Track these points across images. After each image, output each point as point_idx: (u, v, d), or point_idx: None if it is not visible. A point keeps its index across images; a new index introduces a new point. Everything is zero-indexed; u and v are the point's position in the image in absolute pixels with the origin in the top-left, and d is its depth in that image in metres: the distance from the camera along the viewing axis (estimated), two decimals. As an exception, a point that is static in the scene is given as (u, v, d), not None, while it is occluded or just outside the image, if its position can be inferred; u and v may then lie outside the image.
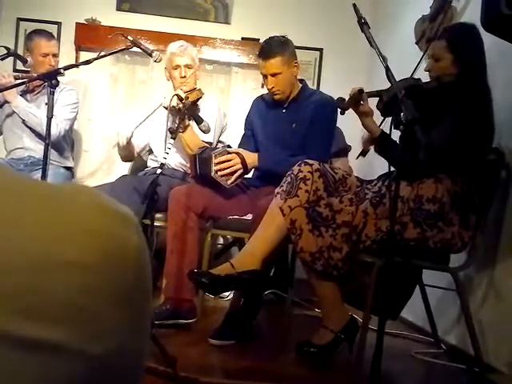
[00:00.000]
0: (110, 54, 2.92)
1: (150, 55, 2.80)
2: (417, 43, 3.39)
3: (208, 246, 2.91)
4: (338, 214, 2.28)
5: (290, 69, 2.83)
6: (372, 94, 2.51)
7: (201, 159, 2.73)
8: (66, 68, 2.74)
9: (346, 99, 2.48)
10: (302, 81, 2.99)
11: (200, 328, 2.62)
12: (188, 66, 3.11)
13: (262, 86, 3.09)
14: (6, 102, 3.38)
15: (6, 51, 3.40)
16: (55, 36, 3.77)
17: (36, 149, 3.43)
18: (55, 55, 3.50)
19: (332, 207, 2.29)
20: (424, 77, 2.49)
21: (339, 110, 2.57)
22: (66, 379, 0.39)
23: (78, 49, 4.11)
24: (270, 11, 4.27)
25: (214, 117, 3.14)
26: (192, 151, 2.85)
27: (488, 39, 2.23)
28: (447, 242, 2.27)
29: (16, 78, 3.26)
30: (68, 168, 3.62)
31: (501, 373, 2.26)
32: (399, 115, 1.98)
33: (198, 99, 2.74)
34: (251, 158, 2.81)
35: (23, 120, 3.37)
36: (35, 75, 3.13)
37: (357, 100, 2.44)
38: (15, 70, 3.94)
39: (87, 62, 2.67)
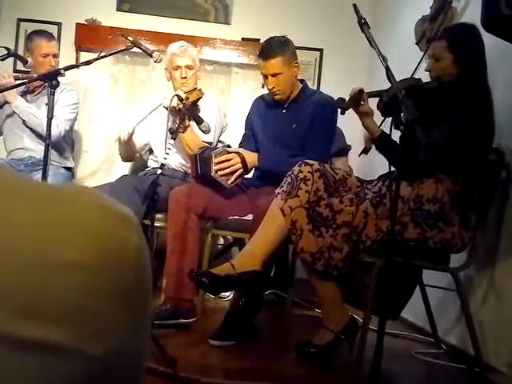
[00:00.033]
0: (111, 55, 2.92)
1: (150, 56, 2.80)
2: (417, 43, 3.39)
3: (208, 246, 2.91)
4: (339, 215, 2.28)
5: (291, 69, 2.83)
6: (372, 94, 2.51)
7: (201, 159, 2.73)
8: (67, 68, 2.74)
9: (346, 99, 2.48)
10: (302, 81, 2.99)
11: (200, 328, 2.62)
12: (189, 67, 3.11)
13: (263, 87, 3.09)
14: (7, 102, 3.39)
15: (6, 52, 3.40)
16: (55, 36, 3.77)
17: (36, 149, 3.43)
18: (55, 56, 3.50)
19: (332, 207, 2.30)
20: (424, 77, 2.49)
21: (339, 110, 2.57)
22: (66, 379, 0.39)
23: (79, 49, 4.11)
24: (270, 11, 4.27)
25: (214, 117, 3.14)
26: (192, 151, 2.85)
27: (488, 40, 2.23)
28: (447, 242, 2.27)
29: (16, 79, 3.26)
30: (68, 168, 3.62)
31: (501, 373, 2.26)
32: (399, 115, 1.98)
33: (198, 99, 2.74)
34: (251, 157, 2.81)
35: (23, 120, 3.37)
36: (35, 76, 3.13)
37: (357, 100, 2.44)
38: (15, 71, 3.94)
39: (87, 63, 2.67)
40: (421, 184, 2.28)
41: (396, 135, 2.25)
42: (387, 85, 2.18)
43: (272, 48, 2.80)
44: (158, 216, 2.85)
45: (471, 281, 2.56)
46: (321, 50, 4.34)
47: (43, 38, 3.45)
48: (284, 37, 2.86)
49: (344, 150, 3.69)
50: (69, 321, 0.39)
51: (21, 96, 3.41)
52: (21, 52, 3.85)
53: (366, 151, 2.56)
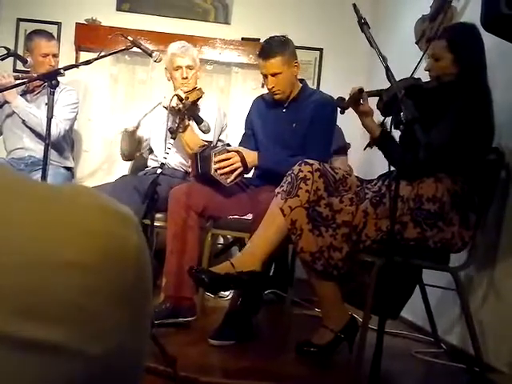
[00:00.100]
0: (110, 55, 2.92)
1: (150, 55, 2.80)
2: (417, 43, 3.39)
3: (208, 245, 2.91)
4: (338, 214, 2.28)
5: (291, 68, 2.83)
6: (372, 94, 2.51)
7: (201, 158, 2.73)
8: (66, 68, 2.74)
9: (346, 99, 2.48)
10: (302, 80, 2.99)
11: (200, 327, 2.62)
12: (189, 67, 3.11)
13: (262, 86, 3.09)
14: (6, 102, 3.39)
15: (5, 51, 3.40)
16: (55, 36, 3.77)
17: (36, 149, 3.43)
18: (55, 55, 3.49)
19: (332, 207, 2.30)
20: (424, 76, 2.49)
21: (339, 110, 2.57)
22: (66, 379, 0.39)
23: (78, 49, 4.11)
24: (270, 11, 4.27)
25: (214, 116, 3.14)
26: (192, 151, 2.85)
27: (488, 40, 2.23)
28: (447, 241, 2.27)
29: (16, 79, 3.26)
30: (68, 168, 3.62)
31: (501, 372, 2.26)
32: (399, 115, 1.98)
33: (198, 99, 2.74)
34: (251, 156, 2.81)
35: (23, 120, 3.37)
36: (35, 75, 3.13)
37: (357, 99, 2.44)
38: (15, 71, 3.93)
39: (87, 63, 2.67)
40: (421, 183, 2.29)
41: (396, 135, 2.25)
42: (387, 84, 2.18)
43: (272, 48, 2.80)
44: (158, 215, 2.85)
45: (471, 280, 2.56)
46: (321, 50, 4.34)
47: (43, 38, 3.45)
48: (284, 36, 2.86)
49: (343, 149, 3.69)
50: (69, 321, 0.39)
51: (20, 96, 3.41)
52: (20, 52, 3.85)
53: (370, 145, 2.54)
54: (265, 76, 2.85)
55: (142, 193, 2.53)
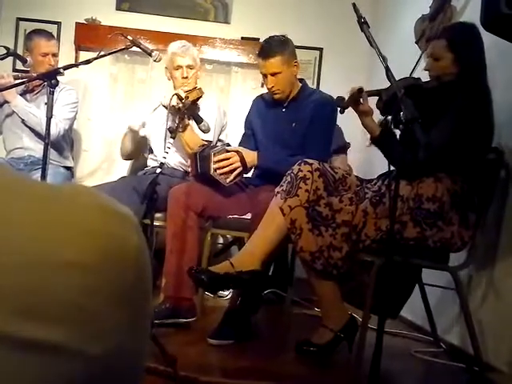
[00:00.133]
0: (110, 54, 2.92)
1: (150, 55, 2.79)
2: (416, 42, 3.39)
3: (208, 245, 2.91)
4: (338, 214, 2.28)
5: (290, 68, 2.83)
6: (372, 93, 2.50)
7: (200, 157, 2.73)
8: (66, 68, 2.74)
9: (346, 98, 2.48)
10: (301, 80, 2.99)
11: (200, 327, 2.62)
12: (190, 67, 3.11)
13: (262, 86, 3.09)
14: (6, 101, 3.38)
15: (5, 51, 3.39)
16: (55, 36, 3.77)
17: (36, 148, 3.43)
18: (55, 55, 3.49)
19: (332, 206, 2.30)
20: (424, 76, 2.49)
21: (339, 109, 2.57)
22: (66, 379, 0.39)
23: (78, 48, 4.11)
24: (270, 11, 4.27)
25: (213, 116, 3.14)
26: (192, 150, 2.85)
27: (488, 40, 2.23)
28: (447, 241, 2.27)
29: (15, 78, 3.25)
30: (68, 168, 3.62)
31: (500, 372, 2.26)
32: (399, 114, 1.98)
33: (198, 98, 2.73)
34: (250, 156, 2.81)
35: (23, 120, 3.37)
36: (35, 75, 3.13)
37: (356, 99, 2.44)
38: (15, 70, 3.93)
39: (87, 62, 2.67)
40: (420, 183, 2.29)
41: (396, 135, 2.25)
42: (387, 84, 2.18)
43: (271, 47, 2.80)
44: (158, 215, 2.85)
45: (471, 280, 2.56)
46: (320, 49, 4.34)
47: (42, 38, 3.45)
48: (283, 36, 2.86)
49: (343, 148, 3.69)
50: (69, 321, 0.39)
51: (20, 95, 3.40)
52: (20, 51, 3.84)
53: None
54: (264, 76, 2.85)
55: (141, 193, 2.53)
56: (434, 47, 2.43)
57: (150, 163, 3.35)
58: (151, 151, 3.38)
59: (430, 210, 2.26)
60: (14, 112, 3.37)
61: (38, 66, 3.41)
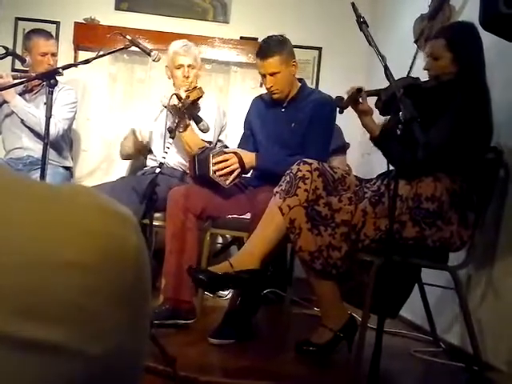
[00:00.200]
0: (109, 54, 2.91)
1: (149, 54, 2.79)
2: (415, 42, 3.39)
3: (207, 245, 2.91)
4: (337, 213, 2.29)
5: (289, 68, 2.83)
6: (371, 93, 2.50)
7: (199, 160, 2.74)
8: (65, 67, 2.73)
9: (345, 98, 2.48)
10: (300, 80, 2.99)
11: (199, 327, 2.62)
12: (191, 66, 3.11)
13: (261, 86, 3.09)
14: (5, 101, 3.38)
15: (4, 51, 3.39)
16: (54, 35, 3.77)
17: (35, 148, 3.42)
18: (54, 54, 3.49)
19: (331, 206, 2.30)
20: (423, 75, 2.49)
21: (338, 109, 2.57)
22: (66, 379, 0.39)
23: (77, 48, 4.10)
24: (269, 10, 4.27)
25: (213, 116, 3.14)
26: (192, 151, 2.85)
27: (487, 39, 2.23)
28: (446, 240, 2.27)
29: (14, 78, 3.25)
30: (67, 168, 3.62)
31: (499, 371, 2.26)
32: (398, 114, 1.98)
33: (198, 98, 2.73)
34: (249, 157, 2.81)
35: (22, 120, 3.36)
36: (34, 75, 3.13)
37: (355, 99, 2.44)
38: (14, 70, 3.93)
39: (86, 62, 2.67)
40: (419, 183, 2.29)
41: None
42: (386, 83, 2.18)
43: (270, 47, 2.80)
44: (157, 215, 2.85)
45: (470, 279, 2.56)
46: (319, 49, 4.33)
47: (41, 37, 3.45)
48: (281, 36, 2.86)
49: (342, 148, 3.69)
50: (68, 321, 0.39)
51: (19, 95, 3.40)
52: (19, 51, 3.84)
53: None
54: (263, 76, 2.85)
55: (141, 193, 2.53)
56: (432, 46, 2.43)
57: (150, 163, 3.35)
58: (150, 151, 3.38)
59: (429, 210, 2.26)
60: (13, 112, 3.37)
61: (36, 66, 3.40)
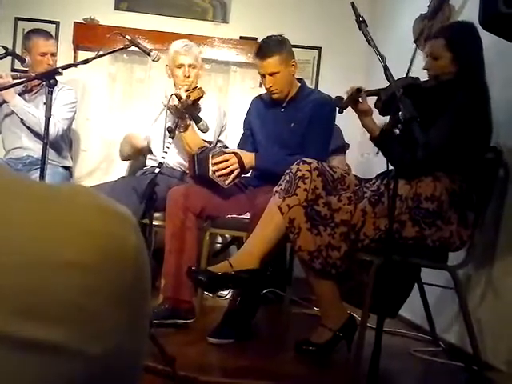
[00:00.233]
0: (108, 54, 2.91)
1: (148, 54, 2.79)
2: (415, 41, 3.39)
3: (206, 244, 2.91)
4: (337, 213, 2.29)
5: (288, 68, 2.83)
6: (370, 93, 2.50)
7: (199, 160, 2.74)
8: (64, 67, 2.73)
9: (345, 98, 2.48)
10: (300, 80, 2.99)
11: (199, 327, 2.62)
12: (191, 66, 3.11)
13: (261, 85, 3.09)
14: (5, 101, 3.38)
15: (4, 51, 3.39)
16: (53, 35, 3.77)
17: (34, 148, 3.42)
18: (53, 54, 3.49)
19: (330, 206, 2.30)
20: (422, 75, 2.49)
21: (337, 109, 2.57)
22: (66, 379, 0.39)
23: (76, 48, 4.10)
24: (268, 10, 4.27)
25: (214, 116, 3.14)
26: (192, 151, 2.85)
27: (486, 38, 2.23)
28: (445, 240, 2.27)
29: (14, 78, 3.25)
30: (66, 167, 3.62)
31: (499, 371, 2.26)
32: (397, 114, 1.98)
33: (199, 98, 2.73)
34: (248, 157, 2.81)
35: (21, 119, 3.36)
36: (33, 75, 3.13)
37: (355, 99, 2.44)
38: (13, 70, 3.93)
39: (85, 62, 2.67)
40: (419, 182, 2.29)
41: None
42: (385, 83, 2.18)
43: (269, 47, 2.80)
44: (156, 215, 2.84)
45: (469, 279, 2.56)
46: (319, 49, 4.33)
47: (41, 37, 3.45)
48: (281, 36, 2.86)
49: (342, 148, 3.69)
50: (68, 321, 0.39)
51: (19, 95, 3.40)
52: (19, 51, 3.84)
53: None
54: (262, 76, 2.85)
55: (140, 193, 2.53)
56: (432, 46, 2.43)
57: (149, 163, 3.35)
58: (150, 151, 3.38)
59: (428, 210, 2.26)
60: (12, 112, 3.37)
61: (36, 66, 3.40)
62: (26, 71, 3.53)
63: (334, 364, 2.39)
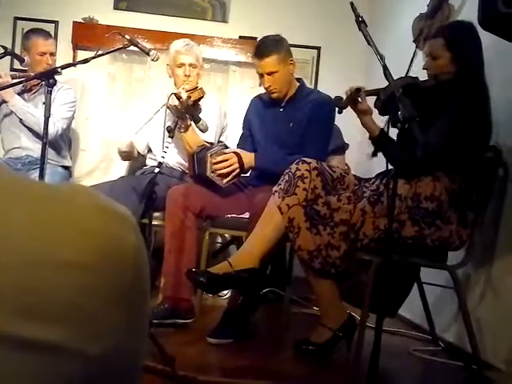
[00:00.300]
0: (108, 53, 2.91)
1: (148, 54, 2.79)
2: (414, 41, 3.39)
3: (206, 244, 2.91)
4: (336, 213, 2.29)
5: (286, 66, 2.83)
6: (370, 93, 2.51)
7: (198, 159, 2.74)
8: (64, 67, 2.73)
9: (344, 98, 2.48)
10: (299, 80, 2.99)
11: (198, 327, 2.62)
12: (192, 65, 3.10)
13: (260, 85, 3.09)
14: (4, 101, 3.38)
15: (3, 50, 3.39)
16: (52, 35, 3.77)
17: (34, 148, 3.42)
18: (52, 54, 3.49)
19: (330, 205, 2.30)
20: (422, 75, 2.49)
21: (337, 109, 2.57)
22: (65, 379, 0.39)
23: (76, 48, 4.10)
24: (268, 10, 4.27)
25: (214, 117, 3.14)
26: (192, 150, 2.85)
27: (486, 38, 2.23)
28: (445, 239, 2.27)
29: (13, 78, 3.25)
30: (66, 167, 3.62)
31: (498, 370, 2.27)
32: (397, 113, 1.98)
33: (199, 98, 2.73)
34: (248, 157, 2.81)
35: (21, 119, 3.36)
36: (32, 74, 3.13)
37: (354, 99, 2.44)
38: (12, 69, 3.93)
39: (84, 61, 2.67)
40: (418, 182, 2.29)
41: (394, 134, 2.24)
42: (385, 83, 2.18)
43: (267, 46, 2.80)
44: (156, 214, 2.84)
45: (469, 278, 2.56)
46: (318, 48, 4.34)
47: (40, 37, 3.45)
48: (278, 35, 2.86)
49: (341, 148, 3.69)
50: (67, 320, 0.39)
51: (18, 95, 3.40)
52: (18, 50, 3.84)
53: (375, 154, 2.53)
54: (261, 75, 2.85)
55: (140, 192, 2.53)
56: (431, 46, 2.43)
57: (149, 162, 3.34)
58: (150, 150, 3.38)
59: (428, 209, 2.26)
60: (12, 111, 3.37)
61: (35, 66, 3.40)
62: (25, 71, 3.53)
63: (334, 363, 2.39)
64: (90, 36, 3.99)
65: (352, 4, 2.15)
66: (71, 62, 3.59)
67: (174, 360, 1.86)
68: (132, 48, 2.84)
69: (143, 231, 2.24)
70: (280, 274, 3.35)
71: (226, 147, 2.89)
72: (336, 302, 2.37)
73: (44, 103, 2.55)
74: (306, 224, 2.26)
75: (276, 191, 2.33)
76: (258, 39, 2.95)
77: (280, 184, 2.34)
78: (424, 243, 2.27)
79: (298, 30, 4.05)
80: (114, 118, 4.13)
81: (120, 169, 3.74)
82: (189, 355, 2.22)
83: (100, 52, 2.72)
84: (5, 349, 0.37)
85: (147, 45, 3.23)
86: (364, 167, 3.53)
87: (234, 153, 2.79)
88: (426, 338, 2.79)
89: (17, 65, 3.78)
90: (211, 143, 3.04)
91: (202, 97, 2.74)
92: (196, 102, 2.70)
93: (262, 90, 3.05)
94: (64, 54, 3.99)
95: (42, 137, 2.57)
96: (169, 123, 2.86)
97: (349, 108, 2.48)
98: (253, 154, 2.85)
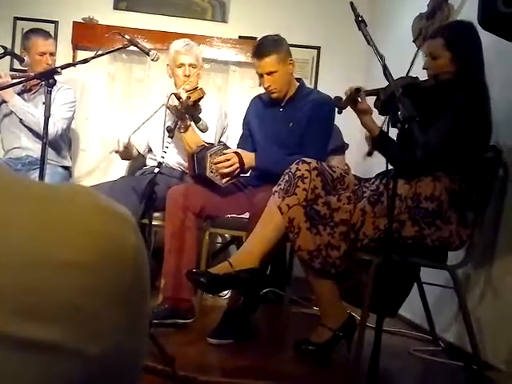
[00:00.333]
0: (107, 53, 2.92)
1: (147, 54, 2.79)
2: (414, 41, 3.39)
3: (206, 244, 2.91)
4: (336, 213, 2.29)
5: (286, 66, 2.83)
6: (370, 93, 2.50)
7: (197, 158, 2.74)
8: (63, 67, 2.73)
9: (343, 98, 2.48)
10: (299, 80, 2.99)
11: (198, 327, 2.62)
12: (192, 66, 3.10)
13: (260, 85, 3.09)
14: (4, 101, 3.38)
15: (2, 50, 3.39)
16: (52, 35, 3.77)
17: (34, 148, 3.42)
18: (52, 54, 3.49)
19: (330, 205, 2.30)
20: (422, 75, 2.49)
21: (337, 109, 2.56)
22: (65, 379, 0.39)
23: (75, 48, 4.10)
24: (267, 9, 4.26)
25: (215, 117, 3.14)
26: (192, 150, 2.85)
27: (486, 38, 2.23)
28: (445, 239, 2.27)
29: (13, 78, 3.25)
30: (66, 167, 3.62)
31: (499, 370, 2.26)
32: (397, 113, 1.98)
33: (199, 99, 2.73)
34: (248, 157, 2.81)
35: (21, 119, 3.36)
36: (32, 74, 3.13)
37: (354, 99, 2.44)
38: (12, 69, 3.93)
39: (84, 61, 2.67)
40: (418, 182, 2.29)
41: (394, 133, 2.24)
42: (385, 83, 2.18)
43: (266, 46, 2.80)
44: (156, 214, 2.84)
45: (469, 278, 2.56)
46: (318, 48, 4.33)
47: (40, 37, 3.45)
48: (277, 35, 2.86)
49: (341, 148, 3.69)
50: (68, 320, 0.39)
51: (18, 95, 3.40)
52: (17, 51, 3.83)
53: (370, 154, 2.54)
54: (260, 75, 2.85)
55: (140, 192, 2.53)
56: (431, 46, 2.43)
57: (149, 162, 3.34)
58: (150, 150, 3.37)
59: (428, 209, 2.26)
60: (11, 112, 3.37)
61: (35, 66, 3.40)
62: (24, 71, 3.53)
63: (334, 364, 2.39)
64: (90, 36, 3.99)
65: (352, 4, 2.15)
66: (71, 62, 3.59)
67: (174, 360, 1.86)
68: (132, 48, 2.85)
69: (143, 231, 2.24)
70: (280, 274, 3.35)
71: (227, 147, 2.88)
72: (336, 301, 2.37)
73: (44, 103, 2.55)
74: (306, 224, 2.26)
75: (276, 191, 2.33)
76: (258, 39, 2.94)
77: (280, 184, 2.34)
78: (424, 243, 2.27)
79: (297, 29, 4.05)
80: (113, 118, 4.13)
81: (120, 169, 3.74)
82: (189, 355, 2.22)
83: (100, 52, 2.72)
84: (5, 349, 0.37)
85: (147, 45, 3.23)
86: (364, 167, 3.53)
87: (235, 153, 2.79)
88: (426, 338, 2.79)
89: (17, 65, 3.78)
90: (211, 143, 3.04)
91: (202, 97, 2.74)
92: (196, 102, 2.70)
93: (261, 90, 3.05)
94: (64, 54, 3.99)
95: (41, 137, 2.56)
96: (169, 123, 2.86)
97: (349, 108, 2.48)
98: (253, 154, 2.85)
